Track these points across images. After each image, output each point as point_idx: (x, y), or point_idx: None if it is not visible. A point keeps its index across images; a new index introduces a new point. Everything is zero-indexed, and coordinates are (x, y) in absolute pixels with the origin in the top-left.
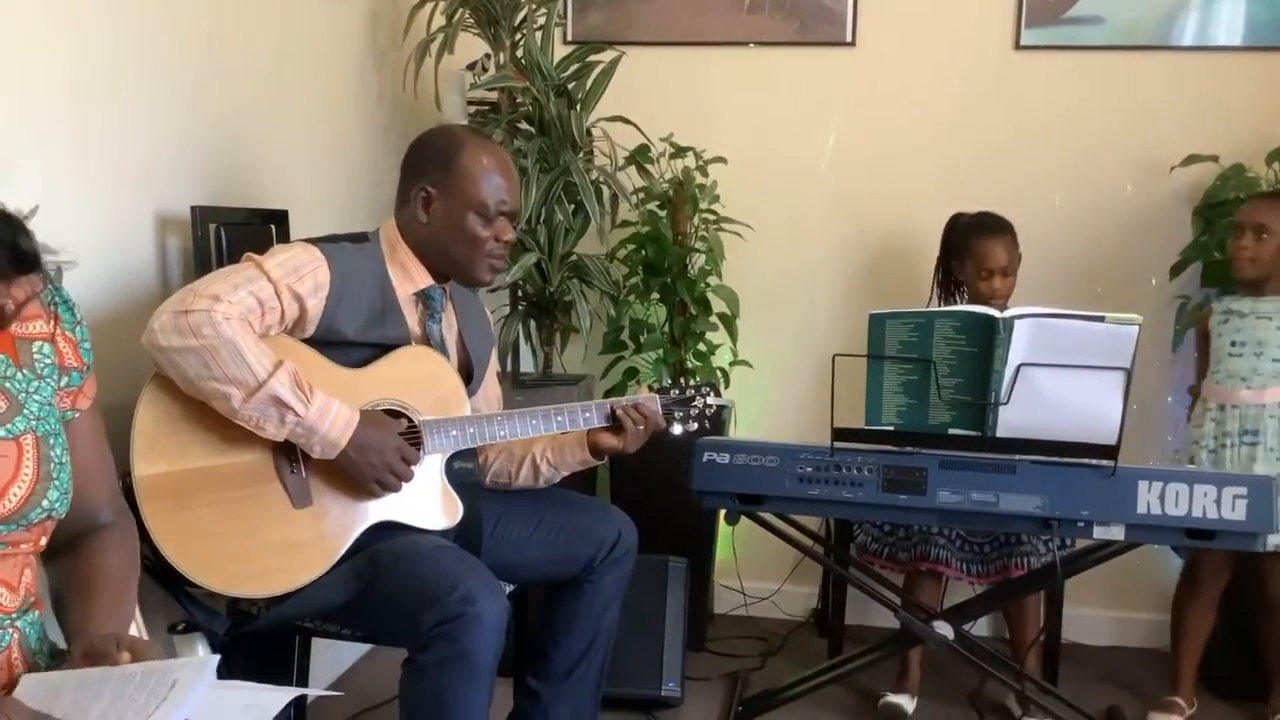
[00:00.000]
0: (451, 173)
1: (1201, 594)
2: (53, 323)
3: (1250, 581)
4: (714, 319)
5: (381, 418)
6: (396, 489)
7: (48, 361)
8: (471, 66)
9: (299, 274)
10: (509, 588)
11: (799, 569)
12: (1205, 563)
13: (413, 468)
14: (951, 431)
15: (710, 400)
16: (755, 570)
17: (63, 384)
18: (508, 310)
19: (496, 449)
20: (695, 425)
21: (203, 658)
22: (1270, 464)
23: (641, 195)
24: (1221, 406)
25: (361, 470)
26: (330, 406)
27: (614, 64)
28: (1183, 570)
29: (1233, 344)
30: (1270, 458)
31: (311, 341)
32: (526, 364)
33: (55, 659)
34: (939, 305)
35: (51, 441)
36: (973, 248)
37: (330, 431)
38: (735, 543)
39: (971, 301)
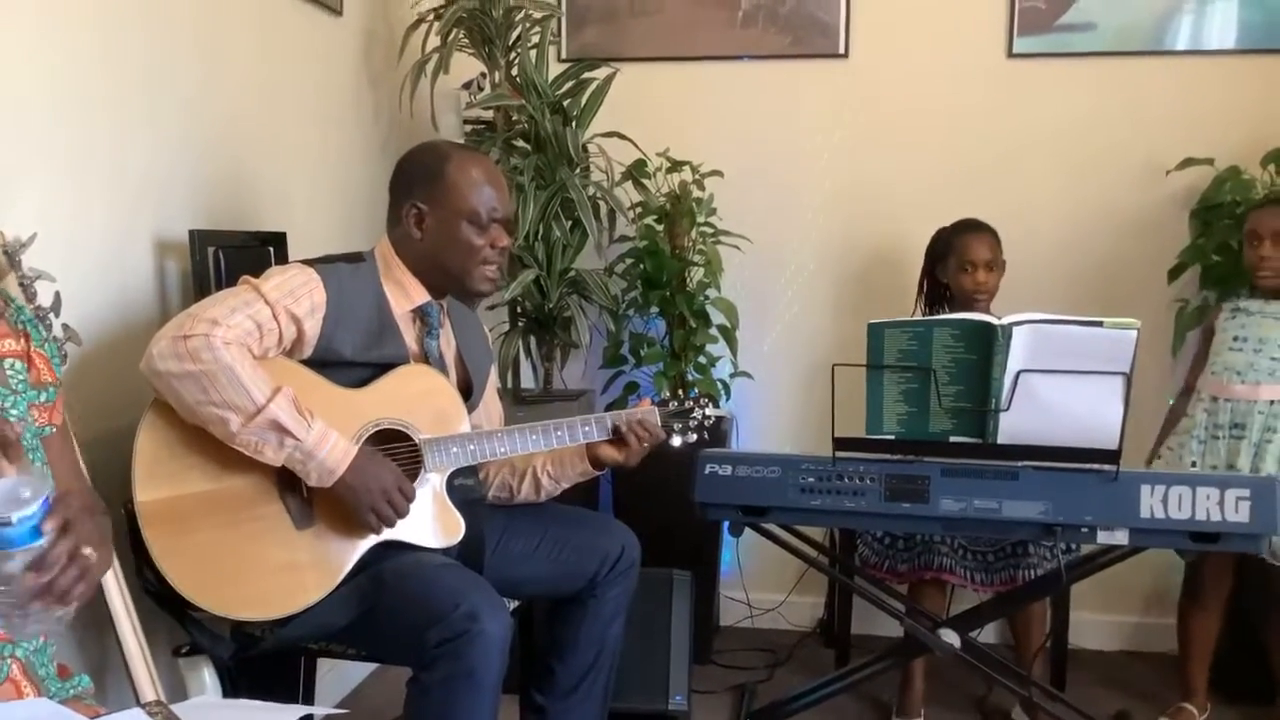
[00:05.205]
0: (440, 186)
1: (1205, 602)
2: (23, 340)
3: (1256, 584)
4: (713, 331)
5: (380, 456)
6: (391, 523)
7: (21, 377)
8: (467, 85)
9: (295, 295)
10: (513, 604)
11: (804, 580)
12: (1207, 570)
13: (409, 500)
14: (953, 439)
15: (708, 411)
16: (760, 582)
17: (41, 399)
18: (507, 327)
19: (497, 464)
20: (695, 436)
21: None
22: (1249, 458)
23: (639, 210)
24: (1214, 398)
25: (359, 498)
26: (329, 434)
27: (609, 80)
28: (1184, 579)
29: (1234, 339)
30: (1250, 452)
31: (310, 362)
32: (527, 380)
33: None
34: (923, 316)
35: (31, 457)
36: (955, 244)
37: (328, 458)
38: (740, 554)
39: (957, 301)
